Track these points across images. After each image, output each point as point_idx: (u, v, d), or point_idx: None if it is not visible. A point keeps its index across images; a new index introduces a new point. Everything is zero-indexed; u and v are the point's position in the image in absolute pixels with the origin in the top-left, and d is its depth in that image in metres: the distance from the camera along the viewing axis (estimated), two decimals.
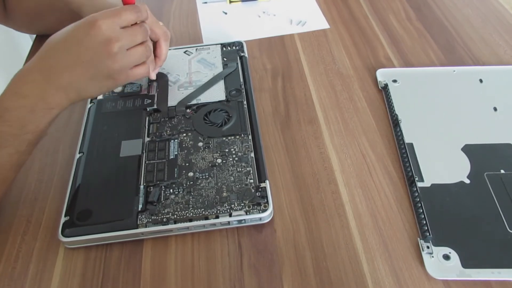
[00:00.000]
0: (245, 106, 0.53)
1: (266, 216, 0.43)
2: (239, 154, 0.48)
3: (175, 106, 0.53)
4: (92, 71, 0.41)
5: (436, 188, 0.45)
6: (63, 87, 0.41)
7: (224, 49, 0.62)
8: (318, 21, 0.69)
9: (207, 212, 0.43)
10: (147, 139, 0.50)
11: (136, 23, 0.44)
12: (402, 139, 0.49)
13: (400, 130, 0.50)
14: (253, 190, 0.44)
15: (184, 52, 0.62)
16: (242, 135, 0.50)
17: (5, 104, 0.39)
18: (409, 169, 0.46)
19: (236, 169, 0.46)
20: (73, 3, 0.55)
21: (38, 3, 0.60)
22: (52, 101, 0.40)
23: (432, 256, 0.40)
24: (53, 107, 0.41)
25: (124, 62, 0.43)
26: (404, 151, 0.48)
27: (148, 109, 0.53)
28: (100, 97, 0.55)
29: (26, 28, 0.67)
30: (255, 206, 0.43)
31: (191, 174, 0.46)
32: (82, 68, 0.41)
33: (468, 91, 0.55)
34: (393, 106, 0.53)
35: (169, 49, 0.61)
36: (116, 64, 0.42)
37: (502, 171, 0.46)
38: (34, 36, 0.69)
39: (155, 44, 0.51)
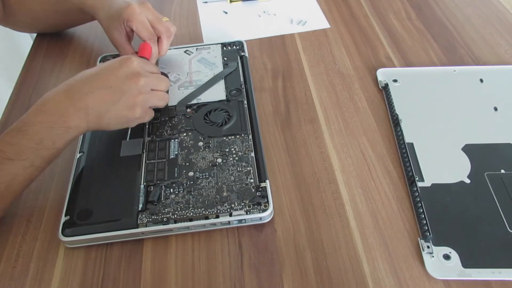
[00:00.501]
0: (246, 105, 0.53)
1: (266, 215, 0.43)
2: (240, 153, 0.48)
3: (175, 105, 0.53)
4: (116, 97, 0.44)
5: (436, 188, 0.45)
6: (84, 108, 0.42)
7: (225, 48, 0.62)
8: (318, 21, 0.69)
9: (207, 212, 0.43)
10: (147, 138, 0.50)
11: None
12: (403, 138, 0.49)
13: (401, 130, 0.50)
14: (253, 190, 0.44)
15: (185, 52, 0.62)
16: (243, 134, 0.50)
17: (27, 119, 0.41)
18: (409, 169, 0.46)
19: (237, 168, 0.46)
20: (87, 7, 0.56)
21: (43, 4, 0.60)
22: (71, 120, 0.42)
23: (433, 256, 0.40)
24: (71, 126, 0.42)
25: (146, 97, 0.46)
26: (404, 150, 0.48)
27: None
28: None
29: (27, 28, 0.68)
30: (256, 206, 0.43)
31: (191, 173, 0.46)
32: (108, 92, 0.43)
33: (469, 90, 0.55)
34: (394, 106, 0.53)
35: (170, 49, 0.62)
36: (140, 96, 0.45)
37: (503, 171, 0.46)
38: (35, 36, 0.69)
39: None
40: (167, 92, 0.51)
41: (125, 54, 0.54)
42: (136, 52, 0.54)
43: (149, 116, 0.48)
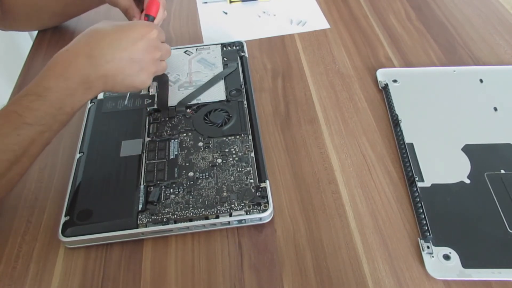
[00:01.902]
0: (245, 106, 0.53)
1: (266, 216, 0.43)
2: (239, 154, 0.48)
3: (175, 106, 0.53)
4: (134, 69, 0.45)
5: (436, 188, 0.45)
6: (103, 76, 0.43)
7: (224, 49, 0.62)
8: (318, 21, 0.69)
9: (207, 212, 0.43)
10: (147, 139, 0.50)
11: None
12: (402, 139, 0.49)
13: (400, 130, 0.50)
14: (253, 190, 0.44)
15: (184, 52, 0.62)
16: (242, 135, 0.50)
17: (46, 84, 0.40)
18: (409, 169, 0.46)
19: (236, 169, 0.46)
20: None
21: None
22: (91, 86, 0.42)
23: (432, 256, 0.40)
24: (90, 92, 0.42)
25: (157, 69, 0.48)
26: (404, 151, 0.48)
27: (148, 109, 0.53)
28: (100, 96, 0.55)
29: (28, 22, 0.67)
30: (255, 206, 0.43)
31: (191, 174, 0.46)
32: (128, 64, 0.44)
33: (469, 91, 0.55)
34: (393, 106, 0.53)
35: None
36: (154, 69, 0.47)
37: (502, 171, 0.46)
38: (34, 36, 0.69)
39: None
40: None
41: (132, 15, 0.54)
42: (142, 11, 0.54)
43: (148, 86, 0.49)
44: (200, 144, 0.49)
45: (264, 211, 0.43)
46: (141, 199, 0.44)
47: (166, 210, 0.43)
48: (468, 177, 0.46)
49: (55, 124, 0.41)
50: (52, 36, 0.68)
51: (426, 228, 0.41)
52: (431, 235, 0.41)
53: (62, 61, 0.41)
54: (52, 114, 0.40)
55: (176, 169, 0.47)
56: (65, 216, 0.43)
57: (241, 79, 0.57)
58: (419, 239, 0.41)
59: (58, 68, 0.41)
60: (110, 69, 0.43)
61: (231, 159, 0.47)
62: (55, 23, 0.68)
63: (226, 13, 0.72)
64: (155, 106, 0.53)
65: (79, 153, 0.49)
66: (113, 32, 0.44)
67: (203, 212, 0.43)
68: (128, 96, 0.54)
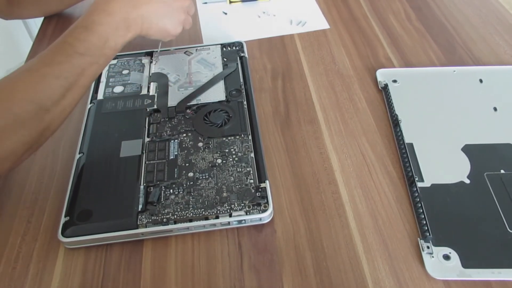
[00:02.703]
0: (245, 106, 0.53)
1: (266, 216, 0.43)
2: (239, 154, 0.48)
3: (175, 106, 0.53)
4: (167, 11, 0.50)
5: (436, 188, 0.45)
6: (141, 15, 0.47)
7: (224, 49, 0.62)
8: (318, 21, 0.69)
9: (207, 213, 0.43)
10: (147, 139, 0.50)
11: None
12: (402, 139, 0.49)
13: (400, 130, 0.50)
14: (253, 191, 0.44)
15: (184, 53, 0.62)
16: (242, 135, 0.50)
17: (93, 18, 0.44)
18: (409, 169, 0.46)
19: (236, 169, 0.46)
20: None
21: None
22: (131, 24, 0.46)
23: (432, 256, 0.40)
24: (130, 30, 0.46)
25: (186, 18, 0.53)
26: (404, 151, 0.48)
27: (148, 109, 0.53)
28: (100, 97, 0.55)
29: (32, 9, 0.67)
30: (255, 207, 0.43)
31: (191, 174, 0.46)
32: (162, 6, 0.49)
33: (468, 91, 0.55)
34: (393, 106, 0.53)
35: (169, 49, 0.62)
36: (183, 16, 0.52)
37: (502, 171, 0.46)
38: (35, 36, 0.69)
39: None
40: None
41: None
42: None
43: (176, 35, 0.53)
44: (200, 144, 0.49)
45: (264, 211, 0.43)
46: (141, 200, 0.44)
47: (166, 210, 0.43)
48: (468, 177, 0.46)
49: (102, 58, 0.44)
50: (52, 37, 0.68)
51: (426, 228, 0.41)
52: (431, 235, 0.41)
53: (107, 0, 0.45)
54: (99, 47, 0.43)
55: (176, 170, 0.47)
56: (65, 216, 0.43)
57: (241, 80, 0.57)
58: (419, 239, 0.41)
59: (102, 4, 0.45)
60: (146, 10, 0.47)
61: (231, 159, 0.47)
62: (63, 6, 0.69)
63: (226, 14, 0.72)
64: (155, 107, 0.53)
65: (79, 153, 0.49)
66: None
67: (203, 213, 0.43)
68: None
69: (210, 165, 0.47)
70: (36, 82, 0.39)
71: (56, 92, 0.40)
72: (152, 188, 0.45)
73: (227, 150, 0.48)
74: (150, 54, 0.61)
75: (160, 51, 0.61)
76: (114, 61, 0.60)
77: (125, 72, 0.58)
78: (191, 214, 0.43)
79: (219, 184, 0.45)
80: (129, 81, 0.57)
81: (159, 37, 0.51)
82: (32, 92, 0.39)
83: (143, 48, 0.62)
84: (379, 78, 0.57)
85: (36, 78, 0.39)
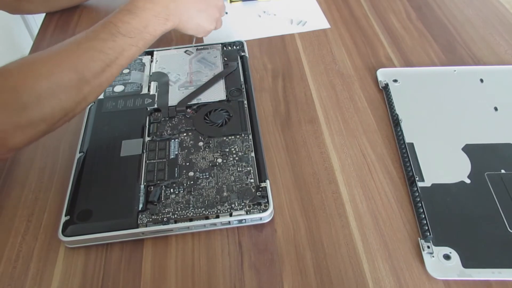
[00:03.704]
0: (246, 105, 0.53)
1: (266, 215, 0.43)
2: (240, 153, 0.48)
3: (175, 105, 0.53)
4: (203, 7, 0.54)
5: (436, 188, 0.45)
6: (180, 8, 0.50)
7: (225, 48, 0.62)
8: (318, 21, 0.69)
9: (207, 212, 0.43)
10: (147, 138, 0.50)
11: None
12: (403, 138, 0.49)
13: (401, 130, 0.50)
14: (253, 190, 0.44)
15: (185, 52, 0.62)
16: (243, 134, 0.50)
17: (137, 3, 0.47)
18: (409, 169, 0.46)
19: (237, 168, 0.46)
20: None
21: None
22: (171, 14, 0.49)
23: (433, 256, 0.40)
24: (169, 19, 0.49)
25: (219, 15, 0.57)
26: (404, 151, 0.48)
27: (148, 109, 0.53)
28: (100, 96, 0.55)
29: (41, 4, 0.68)
30: (256, 206, 0.43)
31: (191, 173, 0.46)
32: (199, 2, 0.53)
33: (469, 91, 0.55)
34: (394, 106, 0.53)
35: (170, 49, 0.62)
36: (217, 14, 0.56)
37: (503, 171, 0.46)
38: (35, 34, 0.69)
39: None
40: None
41: None
42: None
43: (209, 32, 0.57)
44: (201, 143, 0.49)
45: (264, 211, 0.43)
46: (141, 199, 0.44)
47: (166, 210, 0.43)
48: (469, 177, 0.46)
49: (141, 41, 0.46)
50: (53, 36, 0.68)
51: (427, 228, 0.41)
52: (431, 235, 0.41)
53: None
54: (139, 30, 0.46)
55: (176, 169, 0.47)
56: (65, 215, 0.43)
57: (242, 79, 0.57)
58: (419, 239, 0.41)
59: None
60: (186, 3, 0.51)
61: (231, 158, 0.47)
62: (72, 3, 0.70)
63: (226, 13, 0.72)
64: (156, 106, 0.53)
65: (80, 152, 0.49)
66: None
67: (203, 212, 0.43)
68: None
69: (210, 164, 0.47)
70: (80, 53, 0.42)
71: (97, 65, 0.42)
72: (152, 187, 0.45)
73: (227, 150, 0.48)
74: (150, 53, 0.61)
75: (161, 49, 0.61)
76: None
77: (125, 71, 0.58)
78: (192, 213, 0.43)
79: (219, 184, 0.45)
80: (129, 80, 0.57)
81: (194, 32, 0.54)
82: (76, 62, 0.41)
83: None
84: (379, 78, 0.57)
85: (81, 50, 0.42)
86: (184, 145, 0.49)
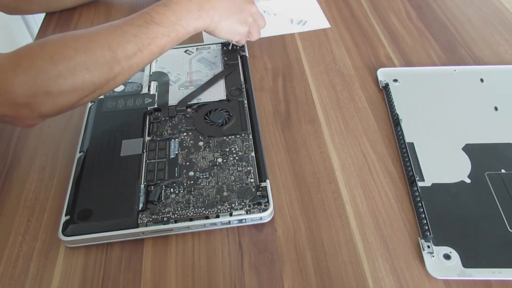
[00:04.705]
0: (246, 105, 0.53)
1: (266, 215, 0.43)
2: (240, 153, 0.48)
3: (175, 105, 0.53)
4: (236, 11, 0.54)
5: (436, 187, 0.45)
6: (213, 8, 0.51)
7: (225, 48, 0.62)
8: (318, 21, 0.69)
9: (207, 212, 0.43)
10: (147, 138, 0.50)
11: None
12: (403, 138, 0.49)
13: (401, 130, 0.50)
14: (253, 190, 0.44)
15: (185, 52, 0.62)
16: (243, 134, 0.50)
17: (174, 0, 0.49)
18: (409, 169, 0.46)
19: (237, 168, 0.46)
20: None
21: None
22: (203, 11, 0.50)
23: (433, 256, 0.40)
24: (201, 16, 0.50)
25: (253, 22, 0.57)
26: (404, 150, 0.48)
27: (148, 108, 0.53)
28: (100, 96, 0.55)
29: (44, 4, 0.68)
30: (256, 206, 0.43)
31: (191, 173, 0.46)
32: (232, 5, 0.53)
33: (469, 90, 0.55)
34: (394, 106, 0.53)
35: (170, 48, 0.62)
36: (250, 18, 0.56)
37: (503, 171, 0.46)
38: (35, 34, 0.69)
39: None
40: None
41: None
42: None
43: (245, 39, 0.58)
44: (201, 143, 0.49)
45: (264, 210, 0.43)
46: (142, 199, 0.44)
47: (166, 209, 0.43)
48: (469, 176, 0.46)
49: (173, 33, 0.48)
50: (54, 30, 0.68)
51: (427, 227, 0.41)
52: (432, 235, 0.41)
53: None
54: (172, 21, 0.47)
55: (176, 169, 0.47)
56: (66, 215, 0.43)
57: (242, 79, 0.57)
58: (419, 238, 0.41)
59: None
60: (218, 4, 0.52)
61: (231, 158, 0.47)
62: (73, 4, 0.71)
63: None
64: (156, 106, 0.53)
65: (80, 152, 0.49)
66: None
67: (204, 212, 0.43)
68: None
69: (210, 164, 0.47)
70: (116, 34, 0.44)
71: (130, 48, 0.44)
72: (152, 187, 0.45)
73: (227, 149, 0.48)
74: None
75: None
76: None
77: None
78: (192, 213, 0.43)
79: (219, 183, 0.45)
80: (129, 80, 0.57)
81: (227, 34, 0.55)
82: (112, 41, 0.43)
83: None
84: (379, 78, 0.57)
85: (117, 31, 0.44)
86: (184, 144, 0.49)
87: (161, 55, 0.48)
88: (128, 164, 0.47)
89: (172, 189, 0.45)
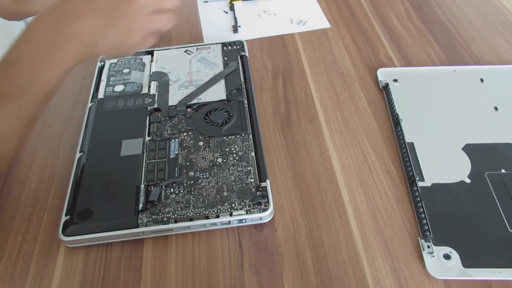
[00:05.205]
0: (246, 105, 0.53)
1: (266, 215, 0.43)
2: (240, 153, 0.48)
3: (175, 105, 0.53)
4: (110, 21, 0.38)
5: (436, 187, 0.45)
6: (77, 34, 0.38)
7: (225, 48, 0.62)
8: (318, 21, 0.69)
9: (207, 212, 0.43)
10: (147, 138, 0.50)
11: None
12: (403, 138, 0.49)
13: (401, 130, 0.50)
14: (253, 190, 0.44)
15: (185, 51, 0.62)
16: (243, 134, 0.50)
17: (19, 52, 0.38)
18: (409, 169, 0.46)
19: (237, 168, 0.46)
20: None
21: None
22: (65, 47, 0.38)
23: (433, 256, 0.40)
24: (66, 56, 0.38)
25: (145, 21, 0.40)
26: (404, 150, 0.48)
27: (148, 108, 0.53)
28: (101, 96, 0.55)
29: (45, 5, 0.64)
30: (256, 206, 0.43)
31: (191, 173, 0.46)
32: (101, 16, 0.38)
33: (469, 90, 0.55)
34: (394, 106, 0.53)
35: (170, 48, 0.62)
36: (137, 21, 0.39)
37: (503, 171, 0.46)
38: None
39: None
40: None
41: None
42: None
43: (150, 42, 0.41)
44: (201, 143, 0.49)
45: (264, 210, 0.43)
46: (142, 199, 0.44)
47: (166, 209, 0.43)
48: (469, 176, 0.46)
49: (36, 96, 0.38)
50: None
51: (427, 227, 0.41)
52: (432, 235, 0.41)
53: (33, 24, 0.38)
54: (27, 86, 0.38)
55: (176, 169, 0.47)
56: (66, 215, 0.43)
57: (242, 79, 0.57)
58: (419, 238, 0.41)
59: (28, 33, 0.39)
60: (81, 25, 0.38)
61: (231, 158, 0.47)
62: None
63: (226, 13, 0.72)
64: (156, 106, 0.53)
65: (80, 152, 0.49)
66: None
67: (204, 212, 0.43)
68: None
69: (210, 164, 0.47)
70: None
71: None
72: (152, 187, 0.45)
73: (227, 149, 0.48)
74: (150, 53, 0.61)
75: (161, 48, 0.61)
76: (115, 60, 0.60)
77: (125, 71, 0.58)
78: (192, 213, 0.43)
79: (219, 183, 0.45)
80: (129, 80, 0.57)
81: (118, 54, 0.43)
82: None
83: None
84: (379, 78, 0.57)
85: None
86: (184, 144, 0.49)
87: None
88: (128, 164, 0.47)
89: (172, 189, 0.45)
